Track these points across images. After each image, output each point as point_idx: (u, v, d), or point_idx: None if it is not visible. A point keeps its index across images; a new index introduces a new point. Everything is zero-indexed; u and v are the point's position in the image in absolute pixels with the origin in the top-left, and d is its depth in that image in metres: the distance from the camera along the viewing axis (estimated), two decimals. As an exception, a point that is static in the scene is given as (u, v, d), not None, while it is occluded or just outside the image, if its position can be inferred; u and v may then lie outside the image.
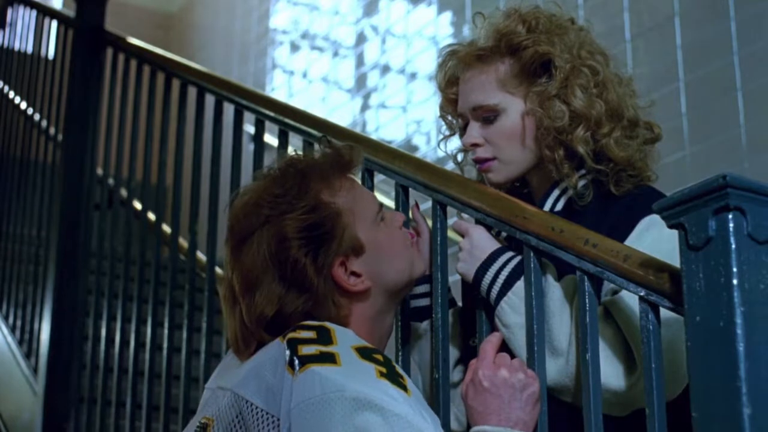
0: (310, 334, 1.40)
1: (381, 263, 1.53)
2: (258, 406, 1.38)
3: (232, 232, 1.53)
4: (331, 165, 1.56)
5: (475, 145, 1.77)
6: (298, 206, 1.49)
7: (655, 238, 1.58)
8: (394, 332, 1.80)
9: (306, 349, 1.37)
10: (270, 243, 1.48)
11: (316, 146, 1.71)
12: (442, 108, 1.89)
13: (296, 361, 1.36)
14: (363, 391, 1.33)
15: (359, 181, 1.61)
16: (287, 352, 1.38)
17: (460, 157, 1.89)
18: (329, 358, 1.36)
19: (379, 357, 1.41)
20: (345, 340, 1.41)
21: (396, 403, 1.33)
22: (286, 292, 1.47)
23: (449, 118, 1.88)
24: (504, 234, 1.72)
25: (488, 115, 1.76)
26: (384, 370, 1.38)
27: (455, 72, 1.83)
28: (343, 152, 1.58)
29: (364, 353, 1.40)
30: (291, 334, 1.41)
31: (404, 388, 1.37)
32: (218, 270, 2.70)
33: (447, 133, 1.90)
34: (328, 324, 1.43)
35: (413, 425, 1.32)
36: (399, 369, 1.42)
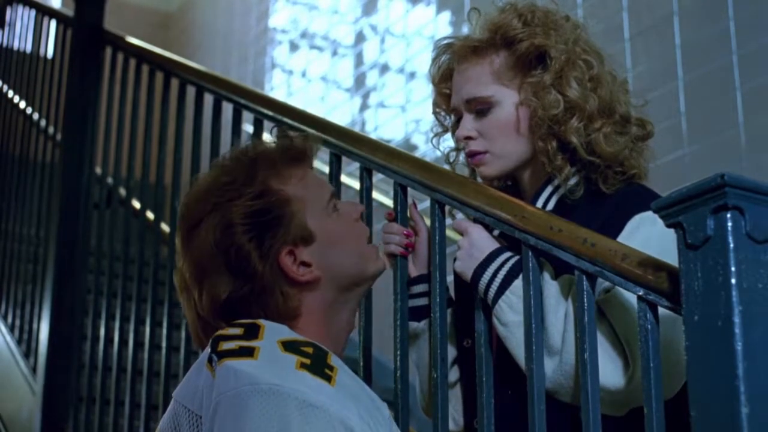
0: (237, 331, 1.39)
1: (331, 254, 1.50)
2: (187, 407, 1.36)
3: (182, 221, 1.52)
4: (282, 154, 1.54)
5: (469, 138, 1.77)
6: (245, 192, 1.48)
7: (646, 236, 1.58)
8: (393, 332, 1.80)
9: (226, 345, 1.36)
10: (216, 230, 1.46)
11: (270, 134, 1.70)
12: (435, 104, 1.88)
13: (215, 358, 1.35)
14: (277, 382, 1.30)
15: (314, 172, 1.58)
16: (208, 350, 1.37)
17: (452, 157, 1.89)
18: (247, 352, 1.34)
19: (308, 350, 1.37)
20: (272, 335, 1.38)
21: (313, 394, 1.30)
22: (233, 280, 1.44)
23: (442, 114, 1.88)
24: (496, 231, 1.72)
25: (482, 108, 1.75)
26: (307, 361, 1.35)
27: (449, 66, 1.83)
28: (295, 142, 1.56)
29: (290, 346, 1.37)
30: (219, 332, 1.40)
31: (328, 378, 1.34)
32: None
33: (439, 130, 1.90)
34: (261, 321, 1.41)
35: (330, 415, 1.29)
36: (332, 360, 1.38)
